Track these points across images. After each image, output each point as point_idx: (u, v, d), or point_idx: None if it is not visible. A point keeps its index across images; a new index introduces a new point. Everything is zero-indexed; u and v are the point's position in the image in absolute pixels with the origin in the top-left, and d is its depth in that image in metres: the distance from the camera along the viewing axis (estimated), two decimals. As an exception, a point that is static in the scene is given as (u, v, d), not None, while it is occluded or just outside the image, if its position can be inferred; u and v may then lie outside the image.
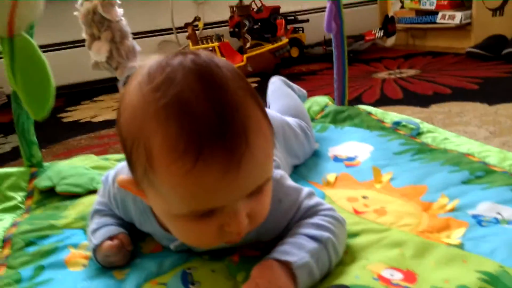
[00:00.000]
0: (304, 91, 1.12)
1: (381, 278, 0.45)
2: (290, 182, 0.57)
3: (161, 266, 0.56)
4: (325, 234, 0.49)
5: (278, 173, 0.56)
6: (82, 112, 1.97)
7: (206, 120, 0.39)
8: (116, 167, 0.62)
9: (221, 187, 0.40)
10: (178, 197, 0.42)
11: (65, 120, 1.86)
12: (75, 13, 0.85)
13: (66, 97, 2.36)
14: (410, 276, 0.46)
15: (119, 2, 0.85)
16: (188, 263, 0.56)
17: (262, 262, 0.47)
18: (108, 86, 2.28)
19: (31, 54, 0.48)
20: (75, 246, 0.63)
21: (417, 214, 0.62)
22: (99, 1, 0.78)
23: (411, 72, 1.94)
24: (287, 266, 0.46)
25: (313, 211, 0.53)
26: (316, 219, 0.51)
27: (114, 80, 0.99)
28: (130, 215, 0.59)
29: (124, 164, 0.56)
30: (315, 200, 0.55)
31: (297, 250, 0.47)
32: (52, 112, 2.25)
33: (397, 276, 0.46)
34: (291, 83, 1.08)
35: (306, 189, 0.56)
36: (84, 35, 0.86)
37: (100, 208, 0.63)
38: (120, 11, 0.84)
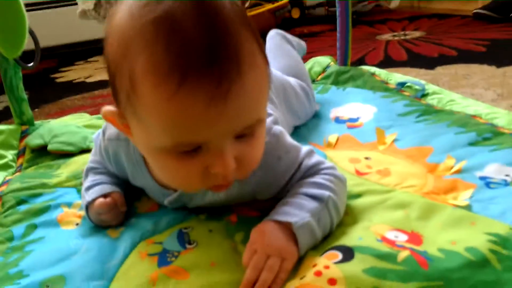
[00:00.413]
0: (303, 42, 1.07)
1: (385, 239, 0.43)
2: (290, 139, 0.54)
3: (157, 225, 0.54)
4: (326, 192, 0.47)
5: (277, 128, 0.53)
6: (76, 73, 1.92)
7: (195, 42, 0.35)
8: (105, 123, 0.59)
9: (207, 118, 0.37)
10: (161, 126, 0.38)
11: (58, 80, 1.82)
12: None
13: (60, 58, 2.30)
14: (415, 238, 0.44)
15: None
16: (184, 223, 0.54)
17: (260, 225, 0.46)
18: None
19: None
20: (69, 205, 0.62)
21: (422, 175, 0.60)
22: None
23: (416, 34, 1.88)
24: (287, 227, 0.44)
25: (314, 170, 0.51)
26: (316, 178, 0.49)
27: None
28: (123, 168, 0.56)
29: None
30: (315, 158, 0.52)
31: (297, 210, 0.45)
32: (45, 72, 2.21)
33: (401, 238, 0.44)
34: (289, 36, 1.02)
35: (306, 147, 0.53)
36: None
37: (94, 166, 0.60)
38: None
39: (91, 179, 0.58)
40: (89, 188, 0.57)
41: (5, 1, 0.45)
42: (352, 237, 0.45)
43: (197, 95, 0.36)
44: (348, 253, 0.41)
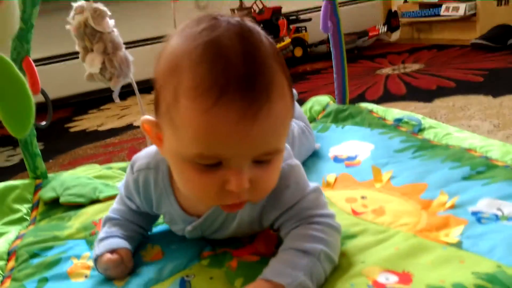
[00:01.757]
0: (295, 91, 1.12)
1: (376, 284, 0.45)
2: (303, 173, 0.57)
3: (161, 273, 0.56)
4: (318, 246, 0.49)
5: (294, 161, 0.56)
6: (89, 121, 1.99)
7: (236, 68, 0.41)
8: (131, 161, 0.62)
9: (234, 135, 0.42)
10: (192, 135, 0.43)
11: (72, 130, 1.89)
12: (67, 26, 0.86)
13: (74, 107, 2.39)
14: (405, 277, 0.45)
15: (109, 13, 0.86)
16: (187, 270, 0.56)
17: (255, 283, 0.47)
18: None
19: (8, 72, 0.49)
20: (78, 257, 0.64)
21: (416, 212, 0.61)
22: (89, 13, 0.79)
23: (416, 66, 1.92)
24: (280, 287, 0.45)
25: (310, 214, 0.53)
26: (309, 230, 0.51)
27: (122, 88, 0.99)
28: (150, 195, 0.59)
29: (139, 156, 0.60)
30: (319, 200, 0.55)
31: (290, 269, 0.47)
32: (60, 122, 2.27)
33: (392, 279, 0.45)
34: None
35: (314, 184, 0.56)
36: (77, 48, 0.87)
37: (113, 216, 0.63)
38: (111, 22, 0.85)
39: (105, 230, 0.61)
40: (101, 240, 0.60)
41: (10, 85, 0.49)
42: (345, 284, 0.46)
43: (230, 112, 0.41)
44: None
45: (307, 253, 0.48)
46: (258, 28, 0.46)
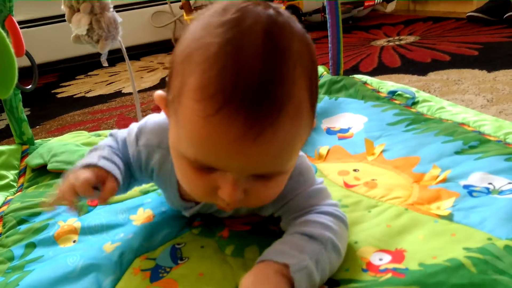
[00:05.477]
0: None
1: (370, 267, 0.45)
2: (306, 163, 0.53)
3: (152, 241, 0.56)
4: (326, 233, 0.45)
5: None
6: (76, 87, 1.94)
7: (249, 77, 0.35)
8: (140, 123, 0.56)
9: (230, 151, 0.37)
10: (190, 139, 0.39)
11: (59, 95, 1.84)
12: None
13: (61, 72, 2.33)
14: (398, 256, 0.46)
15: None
16: (178, 238, 0.56)
17: (255, 268, 0.42)
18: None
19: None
20: (64, 220, 0.64)
21: (408, 186, 0.61)
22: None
23: (411, 38, 1.90)
24: (283, 269, 0.41)
25: (315, 203, 0.49)
26: (316, 217, 0.47)
27: (110, 53, 0.96)
28: (150, 170, 0.55)
29: (147, 119, 0.54)
30: (322, 192, 0.51)
31: (295, 251, 0.43)
32: (47, 88, 2.23)
33: (385, 259, 0.45)
34: None
35: (318, 179, 0.53)
36: (63, 7, 0.83)
37: (113, 145, 0.56)
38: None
39: (108, 153, 0.54)
40: (105, 158, 0.52)
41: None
42: (340, 268, 0.46)
43: (230, 126, 0.36)
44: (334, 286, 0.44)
45: (315, 239, 0.44)
46: (293, 26, 0.39)
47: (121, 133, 0.58)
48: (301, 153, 0.52)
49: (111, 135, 0.59)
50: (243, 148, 0.37)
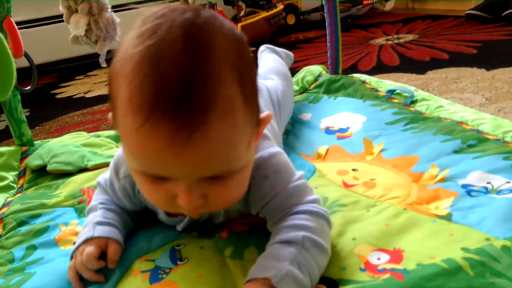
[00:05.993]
0: (291, 53, 1.11)
1: (368, 266, 0.45)
2: (284, 160, 0.52)
3: (151, 243, 0.56)
4: (300, 233, 0.45)
5: (275, 148, 0.52)
6: (76, 88, 1.95)
7: (169, 83, 0.36)
8: (115, 156, 0.57)
9: (168, 157, 0.37)
10: (131, 152, 0.40)
11: (58, 96, 1.85)
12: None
13: (60, 72, 2.33)
14: (396, 255, 0.45)
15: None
16: (177, 240, 0.56)
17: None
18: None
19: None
20: (66, 224, 0.64)
21: (406, 185, 0.61)
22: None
23: (409, 37, 1.90)
24: (268, 282, 0.41)
25: (292, 203, 0.49)
26: (290, 220, 0.47)
27: (108, 54, 0.96)
28: (139, 199, 0.55)
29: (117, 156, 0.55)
30: (300, 188, 0.50)
31: (274, 262, 0.43)
32: (46, 88, 2.24)
33: (384, 259, 0.45)
34: (278, 49, 1.06)
35: (298, 173, 0.52)
36: (61, 8, 0.83)
37: (105, 202, 0.58)
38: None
39: (101, 214, 0.55)
40: (100, 223, 0.54)
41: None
42: (337, 266, 0.46)
43: (158, 134, 0.36)
44: (333, 286, 0.44)
45: (290, 242, 0.44)
46: (215, 24, 0.39)
47: (107, 174, 0.58)
48: (277, 149, 0.53)
49: (98, 183, 0.59)
50: (177, 153, 0.37)
